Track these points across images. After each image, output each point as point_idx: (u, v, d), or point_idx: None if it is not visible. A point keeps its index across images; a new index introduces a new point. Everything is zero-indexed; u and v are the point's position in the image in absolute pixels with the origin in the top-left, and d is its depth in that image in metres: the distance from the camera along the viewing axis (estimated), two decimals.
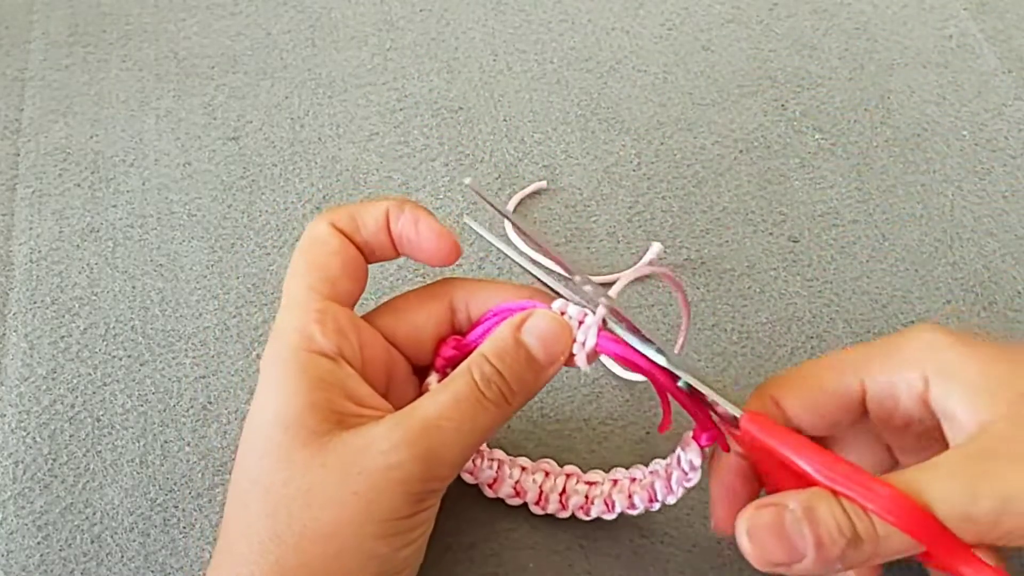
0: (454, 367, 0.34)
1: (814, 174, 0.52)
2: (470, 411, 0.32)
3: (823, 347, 0.46)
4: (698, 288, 0.48)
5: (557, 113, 0.55)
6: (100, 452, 0.42)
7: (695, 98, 0.56)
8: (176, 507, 0.41)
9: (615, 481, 0.38)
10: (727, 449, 0.35)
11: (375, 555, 0.31)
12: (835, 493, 0.29)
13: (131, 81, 0.56)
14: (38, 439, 0.43)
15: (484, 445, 0.40)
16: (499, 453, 0.40)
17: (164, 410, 0.43)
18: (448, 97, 0.55)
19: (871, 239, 0.50)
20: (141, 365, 0.45)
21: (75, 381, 0.44)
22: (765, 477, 0.34)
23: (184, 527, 0.40)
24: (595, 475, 0.39)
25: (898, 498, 0.28)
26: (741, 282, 0.48)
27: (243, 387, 0.44)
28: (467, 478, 0.39)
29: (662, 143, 0.53)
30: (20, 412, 0.43)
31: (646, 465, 0.38)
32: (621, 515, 0.38)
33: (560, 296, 0.35)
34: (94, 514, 0.40)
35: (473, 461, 0.39)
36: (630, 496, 0.37)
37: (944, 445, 0.32)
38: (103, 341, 0.46)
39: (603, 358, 0.41)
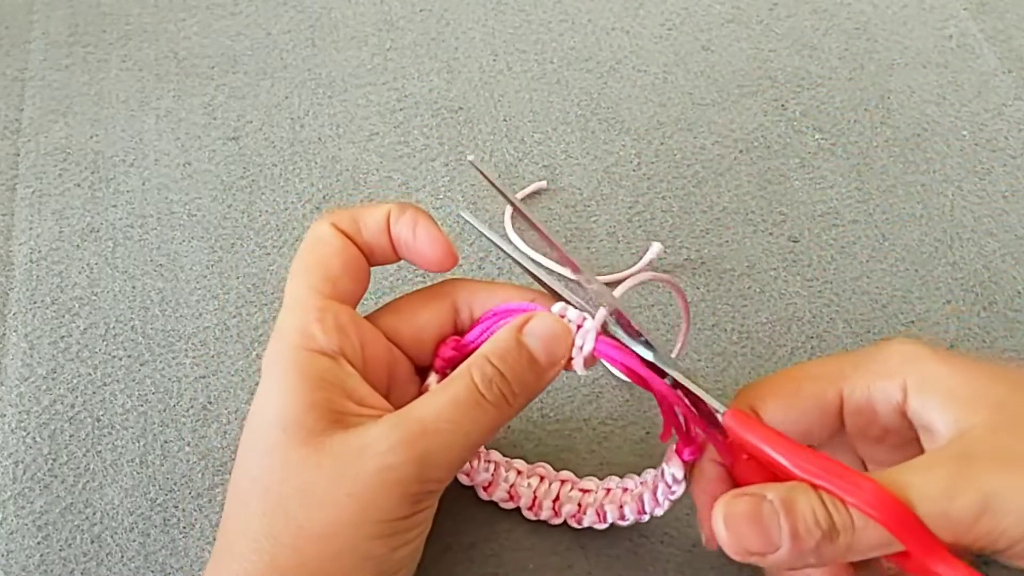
0: (453, 368, 0.34)
1: (814, 174, 0.52)
2: (469, 413, 0.32)
3: (823, 347, 0.46)
4: (698, 288, 0.48)
5: (557, 113, 0.55)
6: (100, 452, 0.42)
7: (695, 98, 0.56)
8: (176, 507, 0.41)
9: (608, 490, 0.38)
10: (732, 462, 0.34)
11: (371, 555, 0.31)
12: (816, 487, 0.29)
13: (131, 81, 0.56)
14: (38, 439, 0.43)
15: (482, 446, 0.40)
16: (496, 455, 0.40)
17: (164, 410, 0.43)
18: (448, 97, 0.55)
19: (871, 239, 0.50)
20: (141, 365, 0.45)
21: (75, 381, 0.44)
22: (745, 484, 0.34)
23: (184, 527, 0.40)
24: (589, 483, 0.39)
25: (880, 493, 0.28)
26: (741, 282, 0.48)
27: (243, 387, 0.44)
28: (463, 480, 0.39)
29: (662, 143, 0.53)
30: (20, 412, 0.43)
31: (639, 474, 0.38)
32: (612, 525, 0.38)
33: (559, 297, 0.35)
34: (94, 514, 0.40)
35: (470, 462, 0.39)
36: (621, 507, 0.38)
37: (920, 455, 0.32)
38: (103, 341, 0.46)
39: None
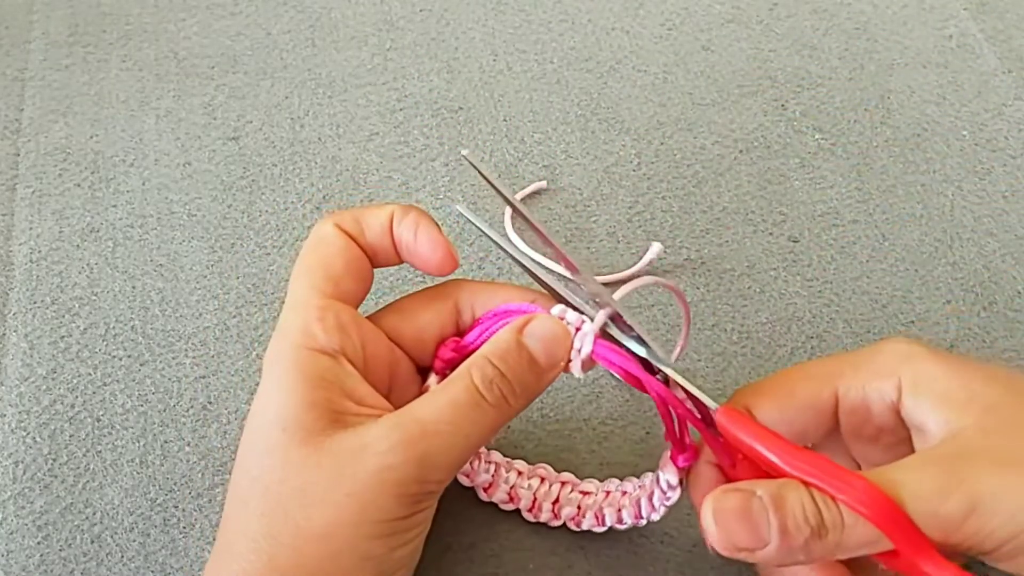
0: (453, 368, 0.34)
1: (814, 174, 0.52)
2: (468, 414, 0.32)
3: (823, 347, 0.46)
4: (698, 288, 0.48)
5: (557, 113, 0.55)
6: (100, 452, 0.42)
7: (695, 98, 0.56)
8: (176, 507, 0.41)
9: (607, 493, 0.38)
10: (732, 466, 0.34)
11: (371, 555, 0.31)
12: (807, 484, 0.29)
13: (131, 81, 0.56)
14: (38, 439, 0.43)
15: (483, 447, 0.40)
16: (496, 455, 0.40)
17: (164, 410, 0.43)
18: (448, 97, 0.55)
19: (871, 239, 0.50)
20: (141, 365, 0.45)
21: (75, 381, 0.44)
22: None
23: (184, 527, 0.40)
24: (589, 485, 0.39)
25: (871, 491, 0.28)
26: (741, 282, 0.48)
27: (243, 387, 0.44)
28: (463, 480, 0.39)
29: (662, 143, 0.53)
30: (20, 412, 0.43)
31: (638, 477, 0.38)
32: (611, 528, 0.38)
33: (558, 297, 0.35)
34: (94, 514, 0.40)
35: (470, 463, 0.39)
36: (619, 511, 0.38)
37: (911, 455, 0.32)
38: (103, 341, 0.46)
39: None
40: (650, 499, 0.37)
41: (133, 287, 0.47)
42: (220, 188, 0.51)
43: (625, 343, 0.35)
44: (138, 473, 0.42)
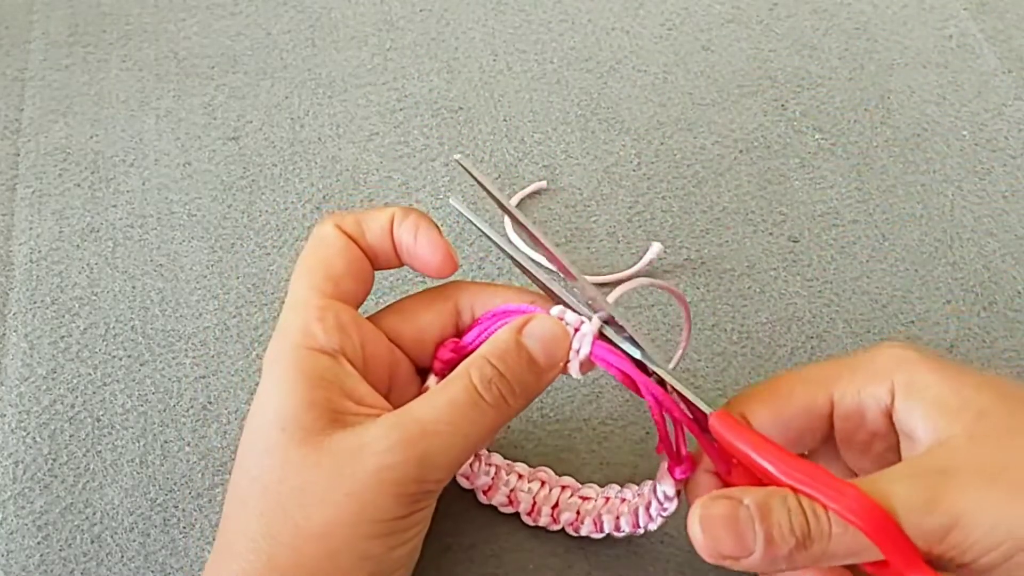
0: (452, 369, 0.34)
1: (814, 174, 0.52)
2: (467, 414, 0.32)
3: (823, 347, 0.46)
4: (698, 288, 0.48)
5: (557, 113, 0.55)
6: (100, 452, 0.42)
7: (695, 98, 0.56)
8: (176, 507, 0.41)
9: (607, 499, 0.38)
10: (727, 472, 0.34)
11: (369, 555, 0.31)
12: (798, 491, 0.29)
13: (131, 81, 0.56)
14: (38, 439, 0.43)
15: (483, 449, 0.40)
16: (497, 458, 0.40)
17: (164, 410, 0.43)
18: (448, 97, 0.55)
19: (871, 239, 0.50)
20: (141, 365, 0.45)
21: (75, 381, 0.44)
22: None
23: (184, 527, 0.40)
24: (589, 490, 0.39)
25: (863, 500, 0.28)
26: (741, 282, 0.48)
27: (243, 387, 0.44)
28: (463, 483, 0.39)
29: (662, 143, 0.53)
30: (20, 412, 0.43)
31: (637, 484, 0.38)
32: (608, 535, 0.38)
33: (558, 297, 0.35)
34: (94, 514, 0.40)
35: (470, 465, 0.39)
36: (617, 518, 0.38)
37: (899, 463, 0.32)
38: (103, 341, 0.46)
39: None
40: (647, 509, 0.37)
41: (133, 287, 0.47)
42: (220, 188, 0.51)
43: (622, 346, 0.35)
44: (138, 473, 0.42)
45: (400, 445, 0.31)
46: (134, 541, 0.40)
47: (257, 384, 0.34)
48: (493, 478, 0.39)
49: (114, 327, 0.46)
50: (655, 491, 0.36)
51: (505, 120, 0.54)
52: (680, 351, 0.39)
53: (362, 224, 0.35)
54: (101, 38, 0.59)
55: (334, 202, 0.51)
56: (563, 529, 0.39)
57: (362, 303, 0.36)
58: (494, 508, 0.40)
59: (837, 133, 0.54)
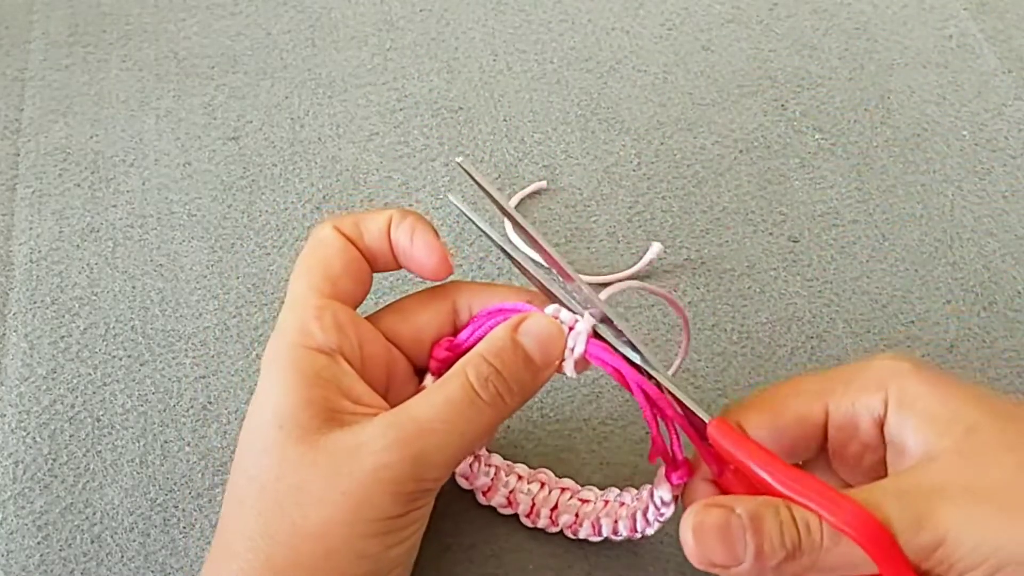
0: (448, 368, 0.34)
1: (814, 174, 0.52)
2: (464, 412, 0.32)
3: (823, 347, 0.46)
4: (698, 288, 0.48)
5: (557, 113, 0.55)
6: (100, 452, 0.42)
7: (695, 98, 0.56)
8: (176, 507, 0.41)
9: (606, 502, 0.38)
10: (720, 475, 0.34)
11: (366, 554, 0.31)
12: (795, 502, 0.30)
13: (131, 81, 0.56)
14: (38, 439, 0.43)
15: (483, 449, 0.40)
16: (497, 459, 0.40)
17: (164, 410, 0.43)
18: (448, 97, 0.55)
19: (871, 239, 0.50)
20: (141, 365, 0.45)
21: (75, 381, 0.44)
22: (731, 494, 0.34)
23: (184, 527, 0.40)
24: (588, 493, 0.39)
25: (860, 513, 0.28)
26: (741, 282, 0.48)
27: (243, 387, 0.44)
28: (462, 483, 0.39)
29: (662, 143, 0.53)
30: (20, 412, 0.43)
31: (636, 488, 0.38)
32: (606, 539, 0.38)
33: (555, 296, 0.35)
34: (94, 514, 0.40)
35: (470, 466, 0.39)
36: (616, 522, 0.38)
37: (889, 477, 0.32)
38: (103, 341, 0.46)
39: None
40: (644, 514, 0.37)
41: (133, 287, 0.47)
42: (220, 188, 0.51)
43: (620, 349, 0.35)
44: (138, 473, 0.42)
45: (397, 444, 0.31)
46: (134, 541, 0.40)
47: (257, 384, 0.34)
48: (492, 479, 0.39)
49: (114, 327, 0.46)
50: (652, 496, 0.36)
51: (505, 120, 0.54)
52: (679, 360, 0.39)
53: (360, 226, 0.35)
54: (101, 38, 0.59)
55: (334, 202, 0.51)
56: (561, 532, 0.39)
57: (360, 304, 0.36)
58: (493, 509, 0.40)
59: (837, 133, 0.54)
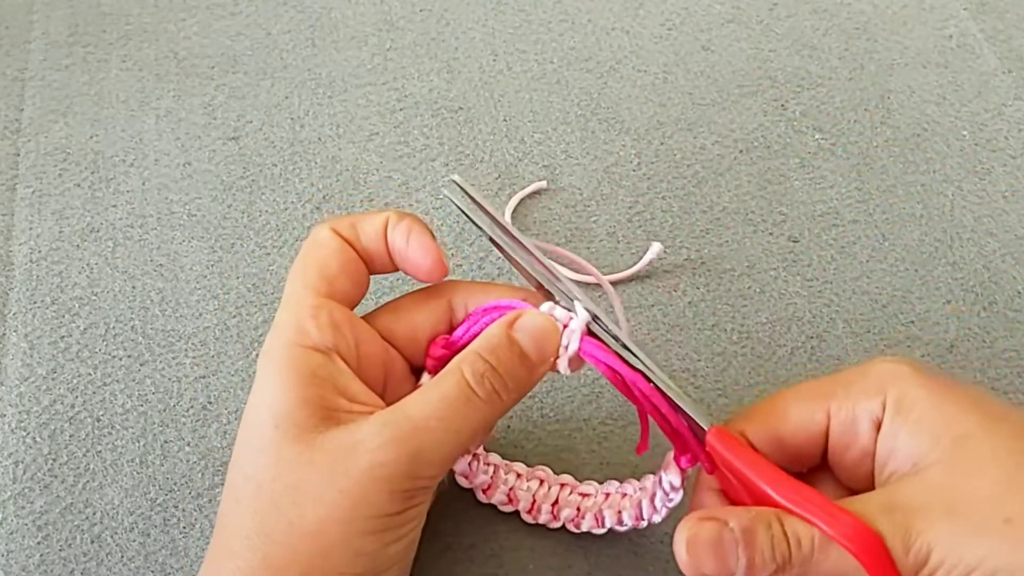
0: (444, 366, 0.34)
1: (814, 174, 0.52)
2: (460, 409, 0.32)
3: (823, 347, 0.46)
4: (698, 288, 0.48)
5: (557, 113, 0.55)
6: (100, 452, 0.42)
7: (695, 98, 0.56)
8: (176, 507, 0.41)
9: (607, 495, 0.38)
10: (711, 471, 0.34)
11: (363, 552, 0.31)
12: (792, 513, 0.30)
13: (131, 81, 0.56)
14: (38, 439, 0.43)
15: (481, 448, 0.40)
16: (495, 457, 0.40)
17: (164, 410, 0.43)
18: (448, 97, 0.55)
19: (871, 239, 0.50)
20: (141, 365, 0.45)
21: (75, 381, 0.44)
22: (732, 499, 0.34)
23: (184, 527, 0.40)
24: (589, 487, 0.39)
25: (858, 526, 0.29)
26: (741, 282, 0.48)
27: (243, 387, 0.44)
28: (462, 482, 0.39)
29: (662, 143, 0.53)
30: (20, 412, 0.43)
31: (638, 479, 0.38)
32: (610, 530, 0.38)
33: (548, 294, 0.35)
34: (94, 514, 0.40)
35: (469, 465, 0.39)
36: (619, 512, 0.38)
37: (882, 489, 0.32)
38: (103, 341, 0.46)
39: None
40: (652, 500, 0.37)
41: (133, 287, 0.47)
42: (220, 188, 0.51)
43: (619, 351, 0.35)
44: (138, 473, 0.42)
45: (393, 442, 0.31)
46: (134, 541, 0.40)
47: None
48: (492, 477, 0.39)
49: (114, 327, 0.46)
50: (660, 482, 0.36)
51: (505, 120, 0.54)
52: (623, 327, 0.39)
53: (357, 227, 0.36)
54: (101, 38, 0.59)
55: (334, 202, 0.51)
56: (563, 527, 0.39)
57: (357, 304, 0.36)
58: (493, 507, 0.40)
59: (837, 133, 0.54)
